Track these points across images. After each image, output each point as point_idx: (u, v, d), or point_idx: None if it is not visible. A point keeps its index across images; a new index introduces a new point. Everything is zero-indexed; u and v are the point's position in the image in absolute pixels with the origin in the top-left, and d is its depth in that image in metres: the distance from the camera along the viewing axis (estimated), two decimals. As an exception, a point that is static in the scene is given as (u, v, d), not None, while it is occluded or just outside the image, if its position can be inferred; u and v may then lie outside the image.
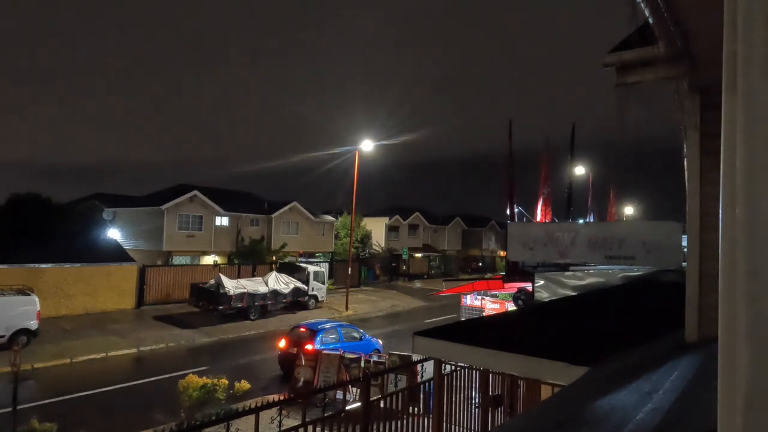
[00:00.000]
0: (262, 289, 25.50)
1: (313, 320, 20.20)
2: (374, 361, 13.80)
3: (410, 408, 8.21)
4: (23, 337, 17.25)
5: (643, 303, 6.89)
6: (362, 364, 13.53)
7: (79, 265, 24.68)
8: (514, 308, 13.38)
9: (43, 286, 22.51)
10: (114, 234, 33.57)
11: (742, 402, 0.94)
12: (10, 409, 10.19)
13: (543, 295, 9.00)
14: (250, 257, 34.60)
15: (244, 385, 12.46)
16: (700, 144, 3.88)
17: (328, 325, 17.19)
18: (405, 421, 7.46)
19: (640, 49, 3.47)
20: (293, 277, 27.71)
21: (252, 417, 5.61)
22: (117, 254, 27.45)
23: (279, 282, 26.57)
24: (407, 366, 11.38)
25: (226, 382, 11.95)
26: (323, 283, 29.74)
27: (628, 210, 45.12)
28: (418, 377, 11.35)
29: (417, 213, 56.01)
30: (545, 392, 7.09)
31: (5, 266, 22.13)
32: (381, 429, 7.17)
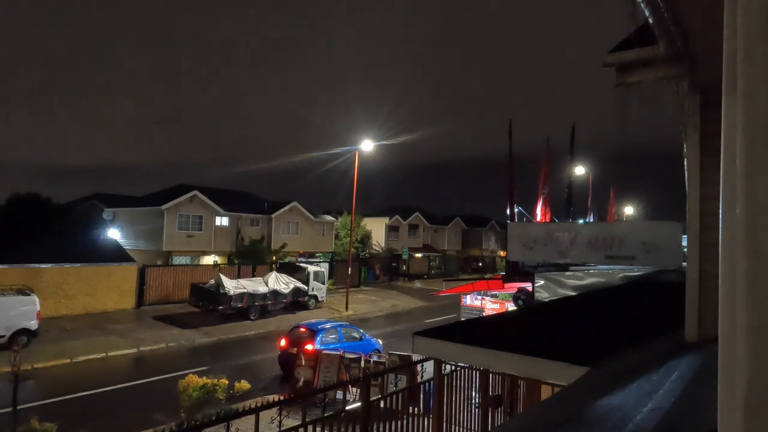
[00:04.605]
0: (262, 289, 25.50)
1: (313, 320, 20.19)
2: (374, 361, 13.81)
3: (410, 408, 8.21)
4: (23, 337, 17.24)
5: (643, 303, 6.88)
6: (362, 364, 13.54)
7: (79, 265, 24.68)
8: (514, 308, 13.36)
9: (43, 286, 22.49)
10: (114, 234, 33.56)
11: (742, 402, 0.94)
12: (10, 409, 10.19)
13: (543, 295, 8.99)
14: (250, 257, 34.57)
15: (244, 385, 12.46)
16: (700, 144, 3.88)
17: (328, 325, 17.18)
18: (405, 421, 7.46)
19: (640, 49, 3.47)
20: (293, 277, 27.70)
21: (252, 417, 5.62)
22: (117, 254, 27.45)
23: (279, 282, 26.57)
24: (407, 366, 11.38)
25: (226, 382, 11.95)
26: (323, 283, 29.74)
27: (629, 210, 45.10)
28: (418, 377, 11.35)
29: (417, 213, 56.00)
30: (545, 392, 7.09)
31: (5, 266, 22.12)
32: (381, 429, 7.17)
